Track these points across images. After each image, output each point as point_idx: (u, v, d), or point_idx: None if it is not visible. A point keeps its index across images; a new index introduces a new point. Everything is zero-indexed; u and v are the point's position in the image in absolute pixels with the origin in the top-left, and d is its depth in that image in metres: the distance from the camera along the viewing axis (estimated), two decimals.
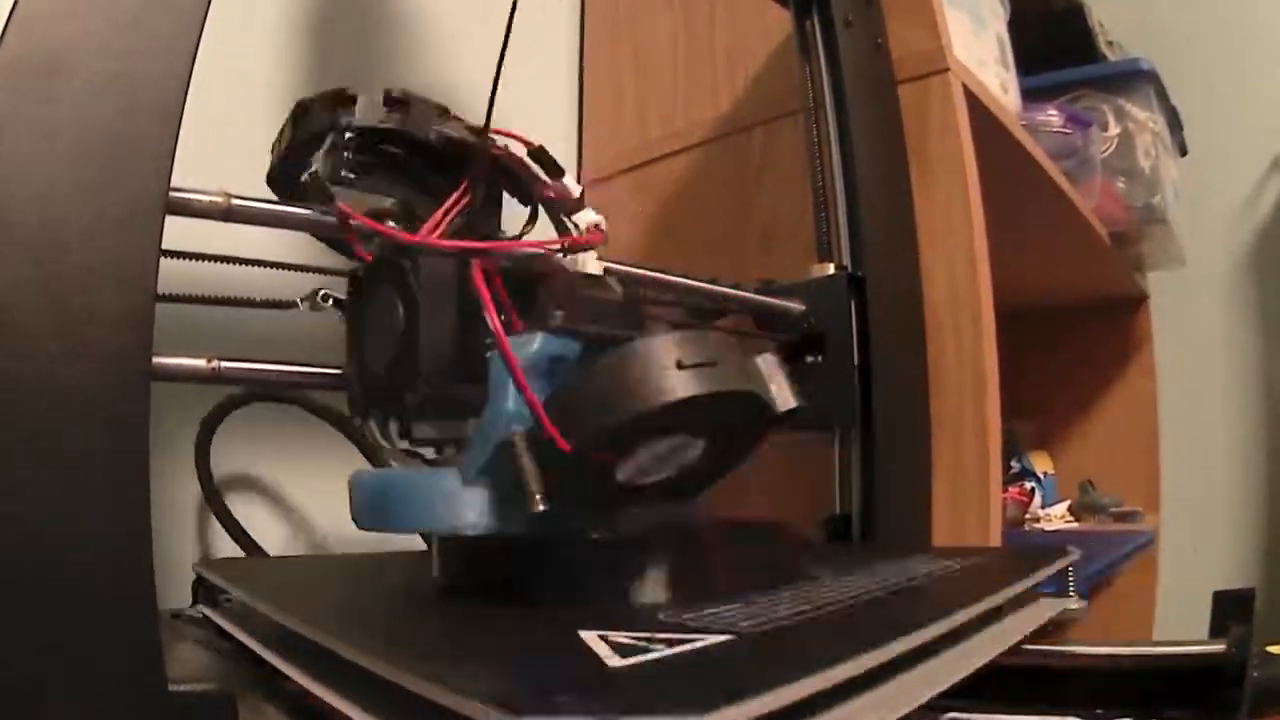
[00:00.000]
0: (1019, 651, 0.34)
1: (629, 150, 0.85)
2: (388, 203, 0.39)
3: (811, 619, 0.28)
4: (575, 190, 0.38)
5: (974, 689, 0.30)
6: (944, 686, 0.26)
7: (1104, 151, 1.01)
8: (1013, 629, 0.34)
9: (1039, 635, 0.36)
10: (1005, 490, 1.06)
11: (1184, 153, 1.18)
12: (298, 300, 0.41)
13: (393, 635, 0.28)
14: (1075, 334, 1.36)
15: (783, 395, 0.30)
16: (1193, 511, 1.29)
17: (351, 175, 0.37)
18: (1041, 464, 1.27)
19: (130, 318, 0.27)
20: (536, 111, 0.87)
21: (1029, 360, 1.29)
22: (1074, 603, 0.40)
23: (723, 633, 0.25)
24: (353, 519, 0.34)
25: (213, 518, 0.54)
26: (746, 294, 0.51)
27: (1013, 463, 1.22)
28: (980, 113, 0.65)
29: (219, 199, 0.33)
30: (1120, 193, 1.04)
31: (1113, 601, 1.21)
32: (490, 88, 0.36)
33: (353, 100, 0.36)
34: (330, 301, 0.40)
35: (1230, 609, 0.36)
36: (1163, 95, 1.07)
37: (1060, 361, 1.35)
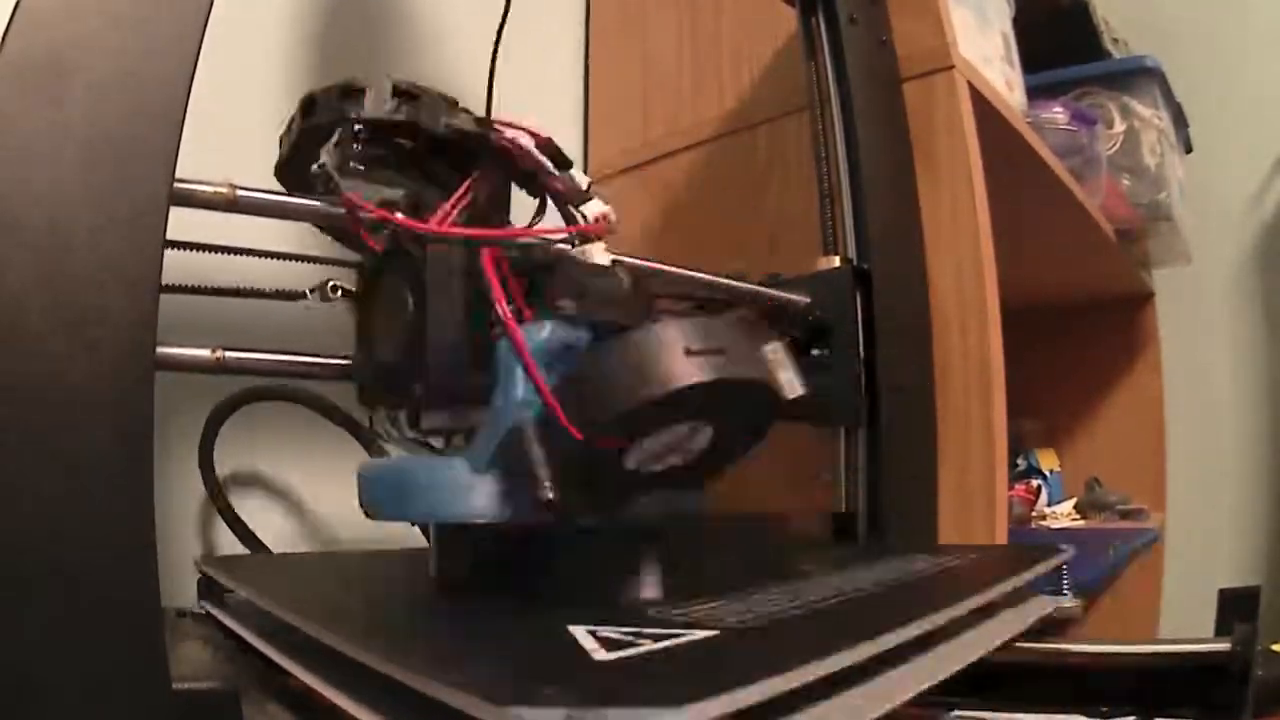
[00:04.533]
0: (1023, 650, 0.34)
1: (635, 148, 0.85)
2: (397, 194, 0.38)
3: (798, 615, 0.28)
4: (583, 182, 0.37)
5: (978, 687, 0.30)
6: (933, 682, 0.27)
7: (1109, 149, 1.01)
8: (1005, 626, 0.35)
9: (1043, 634, 0.36)
10: (1011, 487, 1.06)
11: (1189, 150, 1.17)
12: (307, 291, 0.40)
13: (391, 631, 0.29)
14: (1081, 331, 1.35)
15: (790, 383, 0.29)
16: (1199, 509, 1.29)
17: (360, 167, 0.36)
18: (1048, 461, 1.27)
19: (135, 315, 0.27)
20: (542, 109, 0.87)
21: (1035, 358, 1.28)
22: (1068, 601, 0.41)
23: (709, 628, 0.26)
24: (362, 509, 0.34)
25: (216, 514, 0.54)
26: (752, 286, 0.51)
27: (1019, 460, 1.22)
28: (985, 110, 0.65)
29: (224, 190, 0.33)
30: (1125, 190, 1.04)
31: (1118, 599, 1.21)
32: (490, 79, 0.36)
33: (361, 92, 0.36)
34: (340, 293, 0.39)
35: (1235, 607, 0.36)
36: (1167, 92, 1.07)
37: (1066, 359, 1.34)
